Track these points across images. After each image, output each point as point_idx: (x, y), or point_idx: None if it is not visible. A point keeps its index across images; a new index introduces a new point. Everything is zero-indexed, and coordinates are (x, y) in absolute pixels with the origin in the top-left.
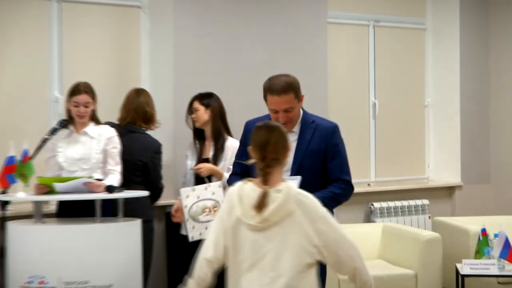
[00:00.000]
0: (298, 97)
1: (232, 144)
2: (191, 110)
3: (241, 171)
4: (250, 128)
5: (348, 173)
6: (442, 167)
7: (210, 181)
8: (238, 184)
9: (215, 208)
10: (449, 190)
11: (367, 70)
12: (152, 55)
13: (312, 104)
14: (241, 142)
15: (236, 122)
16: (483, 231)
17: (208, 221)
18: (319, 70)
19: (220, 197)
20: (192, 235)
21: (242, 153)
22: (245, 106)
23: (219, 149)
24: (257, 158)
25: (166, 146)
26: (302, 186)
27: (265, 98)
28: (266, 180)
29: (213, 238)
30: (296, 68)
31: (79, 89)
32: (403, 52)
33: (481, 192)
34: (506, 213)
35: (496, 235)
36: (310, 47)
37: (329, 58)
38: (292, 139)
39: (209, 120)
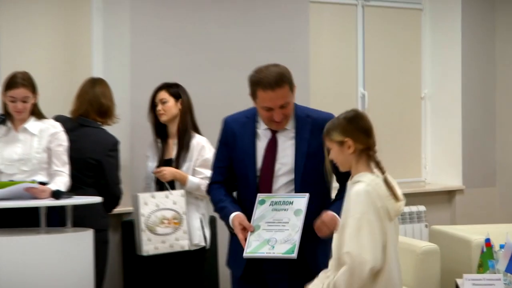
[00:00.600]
0: (292, 89)
1: (198, 142)
2: (155, 101)
3: (224, 179)
4: (232, 127)
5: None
6: (441, 168)
7: (172, 187)
8: (369, 179)
9: (175, 221)
10: (449, 194)
11: (355, 57)
12: (105, 40)
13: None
14: (221, 142)
15: (204, 117)
16: (487, 241)
17: (166, 234)
18: (300, 57)
19: (181, 208)
20: (147, 249)
21: (223, 155)
22: (214, 99)
23: (183, 148)
24: (367, 145)
25: (121, 144)
26: (306, 192)
27: (253, 94)
28: (383, 167)
29: (377, 245)
30: (273, 54)
31: (16, 82)
32: (397, 36)
33: (485, 197)
34: None
35: (502, 246)
36: (289, 30)
37: (311, 42)
38: (288, 139)
39: (178, 115)
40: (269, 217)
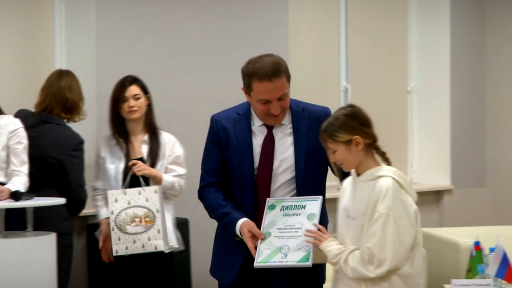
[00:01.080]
0: (289, 79)
1: (169, 140)
2: (125, 96)
3: (218, 180)
4: (223, 124)
5: None
6: (429, 167)
7: (147, 184)
8: (391, 171)
9: (147, 219)
10: (437, 195)
11: (337, 48)
12: (68, 30)
13: None
14: (212, 141)
15: (171, 114)
16: (477, 244)
17: (136, 233)
18: (278, 49)
19: (155, 205)
20: (116, 249)
21: (215, 155)
22: (186, 92)
23: (156, 145)
24: (374, 139)
25: (87, 141)
26: (308, 190)
27: (248, 87)
28: (389, 158)
29: (402, 244)
30: (250, 46)
31: None
32: (382, 28)
33: (475, 198)
34: (505, 222)
35: (492, 250)
36: (266, 21)
37: (290, 34)
38: (286, 135)
39: (145, 111)
40: (281, 223)
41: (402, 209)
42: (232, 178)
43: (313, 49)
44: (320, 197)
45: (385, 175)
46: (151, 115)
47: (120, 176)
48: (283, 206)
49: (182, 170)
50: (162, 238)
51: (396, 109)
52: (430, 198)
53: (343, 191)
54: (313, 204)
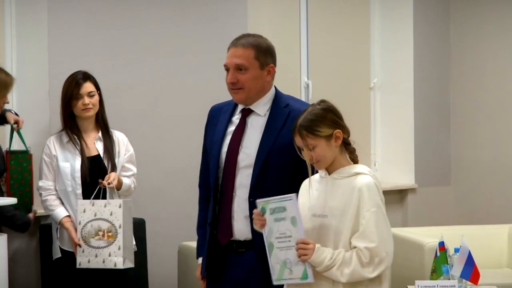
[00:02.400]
0: (262, 62)
1: (122, 138)
2: (79, 94)
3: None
4: (214, 115)
5: None
6: (392, 165)
7: (104, 193)
8: (367, 170)
9: (110, 234)
10: (400, 194)
11: (298, 43)
12: (19, 25)
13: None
14: (205, 131)
15: (120, 111)
16: (441, 245)
17: (99, 248)
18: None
19: (118, 220)
20: (80, 261)
21: (204, 148)
22: (142, 87)
23: (111, 143)
24: (348, 134)
25: (40, 139)
26: (267, 190)
27: None
28: (357, 156)
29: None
30: (205, 40)
31: None
32: (344, 21)
33: (439, 197)
34: (469, 221)
35: (457, 250)
36: (224, 13)
37: (249, 27)
38: (258, 126)
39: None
40: (276, 231)
41: (383, 206)
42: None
43: (273, 41)
44: (293, 195)
45: (363, 173)
46: (103, 112)
47: (78, 174)
48: (271, 209)
49: (135, 169)
50: (122, 255)
51: (359, 106)
52: (393, 197)
53: (305, 190)
54: (290, 205)
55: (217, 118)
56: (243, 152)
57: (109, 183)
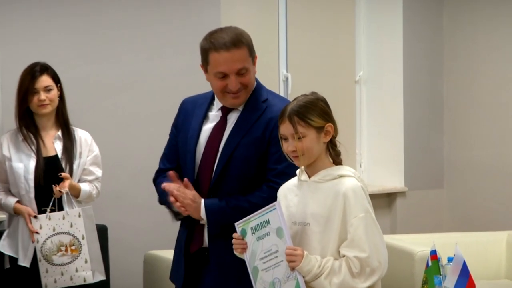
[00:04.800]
0: (252, 56)
1: (86, 137)
2: (34, 88)
3: (173, 167)
4: (187, 108)
5: (289, 175)
6: (379, 166)
7: (60, 202)
8: (352, 171)
9: (73, 247)
10: (388, 198)
11: (276, 31)
12: None
13: (199, 79)
14: (173, 125)
15: (85, 107)
16: (433, 253)
17: (63, 264)
18: (208, 30)
19: (80, 231)
20: (45, 282)
21: (171, 141)
22: (101, 84)
23: (72, 143)
24: (337, 132)
25: None
26: (230, 187)
27: (205, 60)
28: (341, 160)
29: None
30: (175, 33)
31: None
32: (326, 8)
33: (431, 201)
34: (464, 228)
35: (450, 260)
36: (196, 3)
37: (223, 16)
38: (233, 119)
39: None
40: (260, 251)
41: (372, 211)
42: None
43: (249, 31)
44: (276, 204)
45: (347, 175)
46: (64, 108)
47: (31, 176)
48: (252, 228)
49: (100, 172)
50: (91, 268)
51: (343, 101)
52: (381, 202)
53: (284, 197)
54: (274, 216)
55: (192, 112)
56: (220, 153)
57: (59, 191)
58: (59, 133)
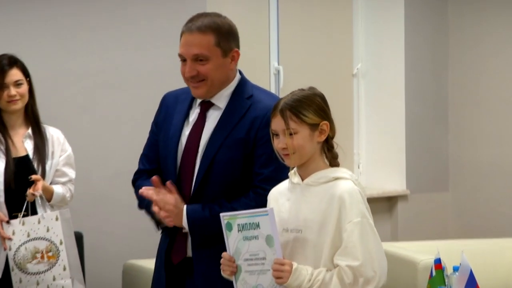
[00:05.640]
0: (224, 48)
1: (58, 136)
2: (4, 83)
3: (154, 168)
4: (168, 103)
5: (278, 180)
6: (379, 167)
7: (33, 207)
8: (349, 174)
9: (50, 254)
10: (389, 201)
11: (266, 20)
12: None
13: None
14: (153, 121)
15: (56, 103)
16: (437, 262)
17: (39, 273)
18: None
19: (57, 235)
20: None
21: (150, 140)
22: (75, 79)
23: (42, 142)
24: (333, 134)
25: None
26: (214, 192)
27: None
28: (339, 163)
29: (384, 255)
30: (155, 24)
31: None
32: None
33: (435, 205)
34: (471, 234)
35: (456, 269)
36: None
37: (208, 3)
38: (213, 118)
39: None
40: (245, 251)
41: (370, 217)
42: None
43: (237, 22)
44: (269, 210)
45: (343, 177)
46: (34, 104)
47: (1, 179)
48: (239, 225)
49: (73, 173)
50: (70, 276)
51: (339, 96)
52: (381, 206)
53: (275, 202)
54: (265, 221)
55: (173, 108)
56: (201, 154)
57: (33, 194)
58: (29, 131)
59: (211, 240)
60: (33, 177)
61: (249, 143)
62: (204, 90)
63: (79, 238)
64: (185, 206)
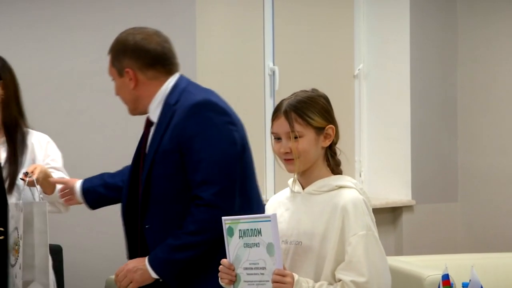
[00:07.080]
0: (117, 68)
1: (40, 142)
2: None
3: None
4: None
5: (213, 182)
6: (382, 176)
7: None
8: (353, 183)
9: (16, 247)
10: (393, 212)
11: (261, 17)
12: None
13: None
14: None
15: (39, 106)
16: (445, 278)
17: (12, 266)
18: (183, 19)
19: (20, 229)
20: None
21: None
22: (57, 80)
23: (19, 147)
24: (338, 138)
25: None
26: (160, 209)
27: None
28: (342, 171)
29: (388, 269)
30: (146, 23)
31: None
32: None
33: (443, 216)
34: (481, 248)
35: (465, 285)
36: None
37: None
38: (151, 133)
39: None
40: (244, 259)
41: (375, 229)
42: None
43: (230, 21)
44: (272, 216)
45: (347, 186)
46: (11, 107)
47: None
48: (241, 230)
49: (63, 175)
50: (22, 278)
51: (339, 98)
52: (384, 217)
53: (274, 211)
54: (267, 228)
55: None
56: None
57: (24, 177)
58: (5, 137)
59: (188, 272)
60: (30, 167)
61: (176, 153)
62: (130, 110)
63: (58, 251)
64: (146, 260)
